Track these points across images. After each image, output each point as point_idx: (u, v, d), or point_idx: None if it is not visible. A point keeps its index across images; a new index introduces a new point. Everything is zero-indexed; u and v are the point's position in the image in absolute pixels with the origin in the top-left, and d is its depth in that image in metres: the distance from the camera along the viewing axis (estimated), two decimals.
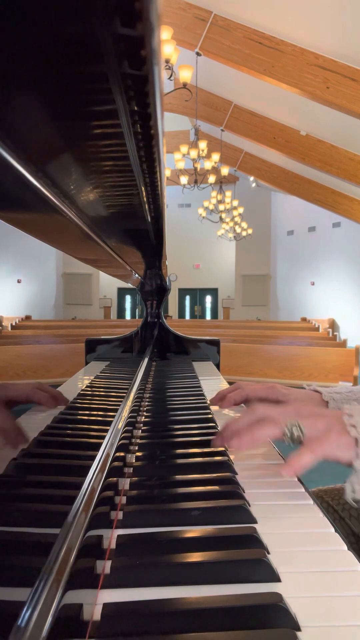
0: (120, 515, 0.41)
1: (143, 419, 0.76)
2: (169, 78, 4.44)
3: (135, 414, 0.75)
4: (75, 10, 0.16)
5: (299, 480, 0.52)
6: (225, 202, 9.40)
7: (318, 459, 0.49)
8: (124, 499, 0.45)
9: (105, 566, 0.34)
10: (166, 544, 0.37)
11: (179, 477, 0.50)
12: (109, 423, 0.66)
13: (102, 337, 1.57)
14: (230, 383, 1.01)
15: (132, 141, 0.30)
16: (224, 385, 1.08)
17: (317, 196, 8.84)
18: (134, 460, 0.55)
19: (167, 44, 4.16)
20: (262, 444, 0.63)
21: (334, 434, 0.51)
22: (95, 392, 0.97)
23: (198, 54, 5.23)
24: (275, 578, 0.34)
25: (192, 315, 14.47)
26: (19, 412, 0.76)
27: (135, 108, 0.26)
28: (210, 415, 0.76)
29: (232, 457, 0.57)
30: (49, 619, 0.26)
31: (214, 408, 0.86)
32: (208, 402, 0.88)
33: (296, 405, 0.59)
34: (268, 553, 0.37)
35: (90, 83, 0.22)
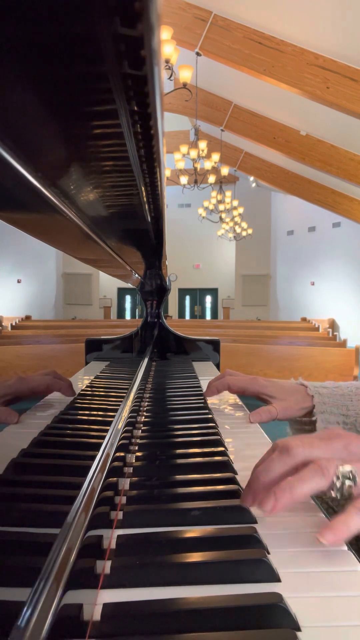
0: (120, 515, 0.41)
1: (143, 419, 0.76)
2: (169, 78, 4.45)
3: (135, 414, 0.75)
4: (75, 10, 0.16)
5: None
6: (225, 202, 9.41)
7: None
8: (124, 499, 0.45)
9: (105, 566, 0.34)
10: (166, 544, 0.37)
11: (179, 477, 0.50)
12: (109, 423, 0.66)
13: (102, 337, 1.57)
14: None
15: (132, 141, 0.30)
16: None
17: (317, 196, 8.84)
18: (134, 460, 0.55)
19: (167, 44, 4.16)
20: (260, 436, 0.64)
21: None
22: (95, 392, 0.97)
23: (198, 54, 5.23)
24: (275, 578, 0.34)
25: (192, 315, 14.47)
26: (19, 412, 0.75)
27: (135, 108, 0.26)
28: (210, 416, 0.76)
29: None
30: (49, 619, 0.26)
31: (214, 408, 0.86)
32: (208, 402, 0.88)
33: (347, 440, 0.44)
34: (268, 553, 0.37)
35: (90, 83, 0.22)
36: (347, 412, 0.73)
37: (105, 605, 0.30)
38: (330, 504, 0.78)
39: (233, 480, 0.49)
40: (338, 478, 0.39)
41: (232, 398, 0.95)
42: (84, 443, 0.60)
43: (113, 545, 0.37)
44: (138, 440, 0.63)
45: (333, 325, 10.49)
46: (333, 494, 0.39)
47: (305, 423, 0.77)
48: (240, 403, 0.92)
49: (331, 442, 0.44)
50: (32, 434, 0.61)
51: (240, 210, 10.27)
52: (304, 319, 10.30)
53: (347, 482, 0.39)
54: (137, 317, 1.77)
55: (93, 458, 0.50)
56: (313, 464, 0.40)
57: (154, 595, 0.31)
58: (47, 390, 0.82)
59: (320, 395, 0.75)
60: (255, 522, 0.41)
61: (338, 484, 0.39)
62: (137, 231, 0.72)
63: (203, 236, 13.39)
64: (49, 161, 0.30)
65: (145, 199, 0.49)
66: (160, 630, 0.28)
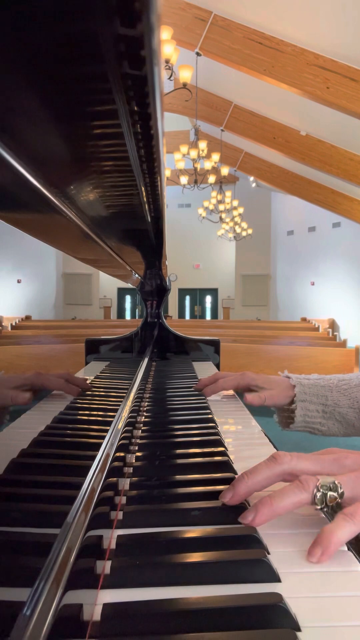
0: (120, 515, 0.41)
1: (143, 419, 0.76)
2: (169, 78, 4.45)
3: (135, 414, 0.75)
4: (75, 10, 0.16)
5: None
6: (225, 202, 9.40)
7: None
8: (124, 499, 0.45)
9: (105, 566, 0.34)
10: (166, 544, 0.37)
11: (178, 477, 0.50)
12: (109, 423, 0.66)
13: (102, 337, 1.57)
14: None
15: (132, 141, 0.30)
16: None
17: (317, 196, 8.84)
18: (134, 460, 0.55)
19: (167, 44, 4.16)
20: (260, 440, 0.64)
21: None
22: (95, 392, 0.97)
23: (198, 54, 5.23)
24: (275, 578, 0.34)
25: (192, 315, 14.46)
26: (19, 412, 0.76)
27: (135, 108, 0.25)
28: (210, 416, 0.76)
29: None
30: (49, 619, 0.26)
31: (214, 408, 0.86)
32: (208, 402, 0.89)
33: (339, 455, 0.45)
34: (268, 553, 0.37)
35: (90, 83, 0.22)
36: (326, 402, 0.82)
37: (105, 605, 0.30)
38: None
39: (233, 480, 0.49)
40: (319, 490, 0.39)
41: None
42: (84, 443, 0.60)
43: (113, 545, 0.37)
44: (138, 440, 0.63)
45: (333, 325, 10.49)
46: (317, 506, 0.40)
47: (289, 410, 0.85)
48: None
49: (322, 456, 0.45)
50: (32, 434, 0.61)
51: (240, 210, 10.27)
52: (304, 319, 10.29)
53: (330, 494, 0.39)
54: (137, 317, 1.77)
55: (93, 458, 0.50)
56: (296, 480, 0.41)
57: (154, 595, 0.31)
58: (58, 389, 0.86)
59: (301, 386, 0.83)
60: None
61: (319, 496, 0.39)
62: (137, 231, 0.72)
63: (203, 236, 13.38)
64: (49, 161, 0.30)
65: (145, 199, 0.49)
66: (160, 630, 0.28)
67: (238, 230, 11.09)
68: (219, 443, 0.61)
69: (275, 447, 0.63)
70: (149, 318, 1.59)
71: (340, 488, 0.40)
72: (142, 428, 0.69)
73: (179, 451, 0.58)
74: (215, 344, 1.57)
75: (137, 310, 1.78)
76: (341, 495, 0.40)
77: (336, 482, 0.40)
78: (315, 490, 0.39)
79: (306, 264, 11.66)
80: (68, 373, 0.87)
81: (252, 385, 0.88)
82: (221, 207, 9.52)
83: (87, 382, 1.06)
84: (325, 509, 0.40)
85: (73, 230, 0.48)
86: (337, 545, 0.36)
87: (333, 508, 0.40)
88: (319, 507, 0.40)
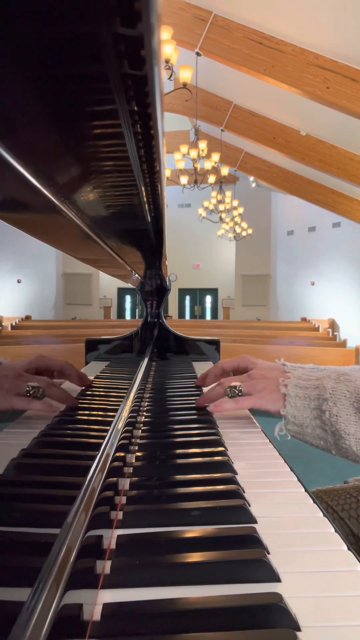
0: (120, 515, 0.41)
1: (143, 419, 0.76)
2: (169, 78, 4.45)
3: (135, 414, 0.75)
4: (75, 10, 0.16)
5: (299, 480, 0.52)
6: (225, 202, 9.41)
7: (239, 408, 0.70)
8: (124, 499, 0.45)
9: (105, 566, 0.34)
10: (166, 544, 0.37)
11: (179, 477, 0.50)
12: (109, 423, 0.66)
13: (102, 337, 1.57)
14: None
15: (132, 141, 0.30)
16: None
17: (317, 196, 8.85)
18: (134, 460, 0.55)
19: (167, 44, 4.16)
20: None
21: (266, 392, 0.69)
22: (95, 392, 0.97)
23: (198, 54, 5.23)
24: (275, 578, 0.34)
25: (192, 315, 14.46)
26: (20, 411, 0.75)
27: (135, 108, 0.26)
28: (210, 415, 0.76)
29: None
30: (49, 619, 0.26)
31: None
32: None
33: (253, 372, 0.75)
34: (268, 553, 0.37)
35: (90, 83, 0.22)
36: None
37: (105, 605, 0.30)
38: (330, 504, 0.78)
39: (233, 480, 0.49)
40: (228, 388, 0.72)
41: None
42: (84, 443, 0.60)
43: (113, 545, 0.37)
44: (138, 440, 0.63)
45: (333, 325, 10.49)
46: (227, 396, 0.72)
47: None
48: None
49: (244, 374, 0.76)
50: (32, 434, 0.61)
51: (240, 210, 10.28)
52: (304, 319, 10.29)
53: (232, 391, 0.71)
54: (137, 317, 1.77)
55: (93, 458, 0.50)
56: (221, 384, 0.75)
57: (154, 595, 0.31)
58: (59, 374, 0.86)
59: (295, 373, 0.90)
60: (255, 522, 0.41)
61: (227, 391, 0.72)
62: (137, 231, 0.72)
63: (203, 236, 13.38)
64: (49, 161, 0.30)
65: (145, 199, 0.49)
66: (160, 630, 0.28)
67: (238, 230, 11.10)
68: (219, 443, 0.61)
69: (274, 446, 0.63)
70: (149, 318, 1.59)
71: (240, 387, 0.71)
72: (142, 428, 0.69)
73: (179, 451, 0.58)
74: (215, 344, 1.57)
75: (137, 310, 1.78)
76: (240, 391, 0.71)
77: (239, 384, 0.72)
78: (227, 389, 0.72)
79: (306, 264, 11.66)
80: (68, 362, 0.88)
81: (251, 369, 0.92)
82: (221, 207, 9.52)
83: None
84: (232, 397, 0.71)
85: (73, 230, 0.48)
86: (220, 409, 0.72)
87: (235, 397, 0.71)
88: (228, 397, 0.72)
